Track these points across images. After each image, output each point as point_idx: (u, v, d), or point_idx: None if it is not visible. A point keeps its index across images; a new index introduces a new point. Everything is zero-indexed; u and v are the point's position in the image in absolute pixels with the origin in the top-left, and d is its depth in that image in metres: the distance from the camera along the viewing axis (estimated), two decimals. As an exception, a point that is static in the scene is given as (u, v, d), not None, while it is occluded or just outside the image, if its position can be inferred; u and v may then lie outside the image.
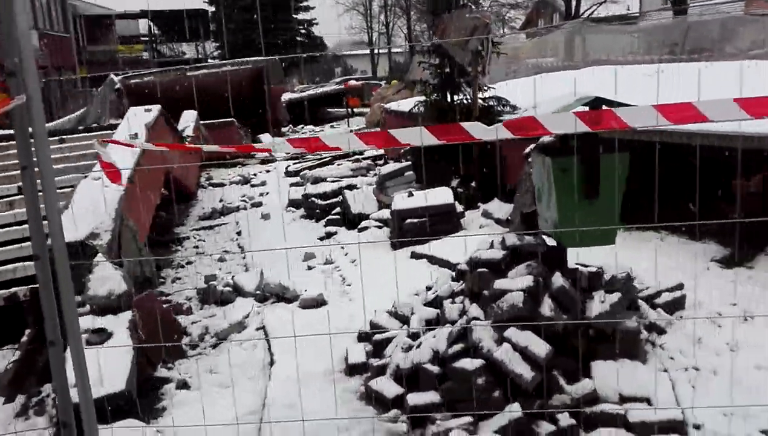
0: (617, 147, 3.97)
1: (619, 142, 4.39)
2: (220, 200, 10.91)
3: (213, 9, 40.43)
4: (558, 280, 3.94)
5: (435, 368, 3.89)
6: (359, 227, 8.12)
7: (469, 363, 3.70)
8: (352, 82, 26.23)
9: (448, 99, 8.88)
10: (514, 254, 4.34)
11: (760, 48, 12.86)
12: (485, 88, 8.74)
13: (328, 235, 8.25)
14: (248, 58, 18.05)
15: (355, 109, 24.67)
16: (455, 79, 8.49)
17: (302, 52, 32.28)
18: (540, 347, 3.70)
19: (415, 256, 6.75)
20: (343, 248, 7.58)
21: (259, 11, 34.15)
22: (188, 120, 14.03)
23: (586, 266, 4.71)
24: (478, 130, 2.47)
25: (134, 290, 5.63)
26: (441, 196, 7.13)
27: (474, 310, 4.13)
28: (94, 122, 17.65)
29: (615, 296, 3.96)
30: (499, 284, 4.04)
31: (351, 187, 9.43)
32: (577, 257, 5.21)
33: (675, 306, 4.64)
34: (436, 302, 4.82)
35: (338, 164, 11.34)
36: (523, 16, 44.75)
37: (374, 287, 5.90)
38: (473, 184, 8.25)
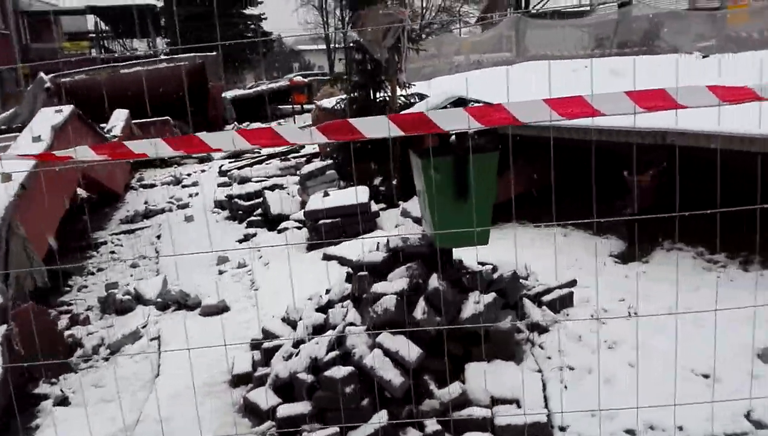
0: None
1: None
2: (145, 202, 10.59)
3: (161, 4, 39.42)
4: (433, 282, 3.88)
5: (309, 377, 3.79)
6: (279, 228, 7.96)
7: (337, 371, 3.60)
8: (297, 79, 25.91)
9: (371, 96, 8.77)
10: (397, 256, 4.26)
11: (706, 42, 13.15)
12: (407, 85, 8.67)
13: (247, 237, 8.07)
14: (185, 55, 17.57)
15: (304, 106, 24.37)
16: (375, 75, 8.38)
17: (251, 48, 31.66)
18: (410, 352, 3.63)
19: (327, 257, 6.64)
20: (259, 250, 7.41)
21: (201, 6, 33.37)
22: (118, 119, 13.62)
23: (483, 265, 4.70)
24: (292, 134, 2.36)
25: (28, 301, 5.39)
26: (356, 195, 7.02)
27: (352, 315, 4.05)
28: (24, 122, 17.00)
29: (490, 296, 3.91)
30: (377, 287, 3.95)
31: (276, 187, 9.25)
32: (476, 256, 5.18)
33: (563, 303, 4.64)
34: (328, 307, 4.72)
35: (267, 163, 11.13)
36: (477, 11, 45.00)
37: (282, 291, 5.78)
38: (395, 182, 8.17)
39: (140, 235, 9.24)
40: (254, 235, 8.09)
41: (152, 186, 12.61)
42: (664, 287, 4.91)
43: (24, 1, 34.66)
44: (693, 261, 5.37)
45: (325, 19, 52.44)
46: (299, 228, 7.88)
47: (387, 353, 3.65)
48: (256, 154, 13.46)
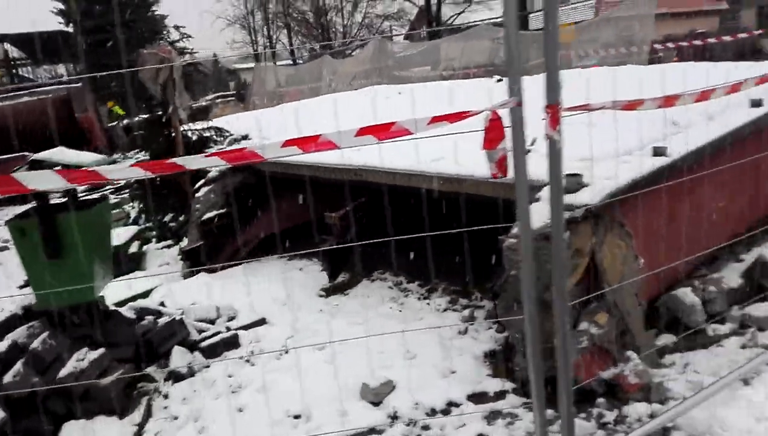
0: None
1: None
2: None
3: (71, 30, 38.57)
4: (36, 342, 3.89)
5: None
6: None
7: None
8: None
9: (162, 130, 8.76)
10: (31, 313, 4.26)
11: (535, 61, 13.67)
12: (196, 119, 8.75)
13: None
14: (49, 87, 17.25)
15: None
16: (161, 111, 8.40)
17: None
18: (-9, 417, 3.62)
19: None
20: None
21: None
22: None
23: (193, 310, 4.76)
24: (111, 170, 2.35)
25: None
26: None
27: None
28: None
29: (96, 353, 3.94)
30: (-17, 350, 3.94)
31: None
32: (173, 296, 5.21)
33: (227, 346, 4.70)
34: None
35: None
36: (401, 27, 45.46)
37: None
38: (182, 218, 8.17)
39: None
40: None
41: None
42: (341, 320, 5.06)
43: (-71, 29, 33.34)
44: (389, 291, 5.54)
45: (253, 37, 52.35)
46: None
47: (-32, 418, 3.63)
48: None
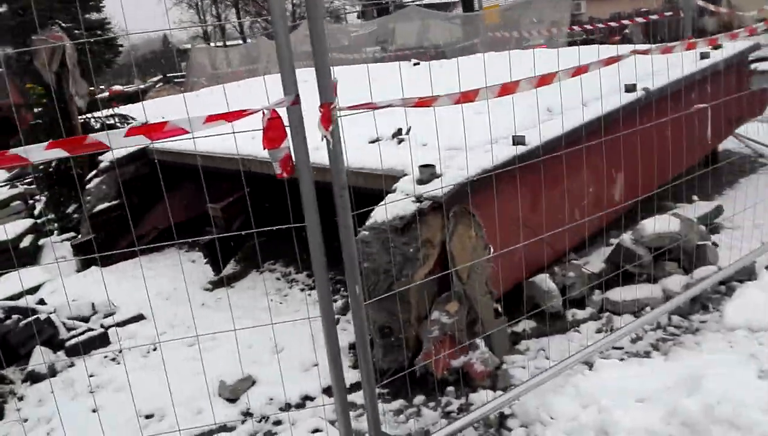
0: None
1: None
2: None
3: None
4: None
5: None
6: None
7: None
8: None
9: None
10: None
11: (464, 43, 13.73)
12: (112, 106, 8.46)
13: None
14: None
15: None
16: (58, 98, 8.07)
17: (94, 55, 30.14)
18: None
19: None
20: None
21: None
22: None
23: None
24: None
25: None
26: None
27: None
28: None
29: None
30: None
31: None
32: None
33: (95, 344, 4.58)
34: None
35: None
36: (353, 6, 44.78)
37: None
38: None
39: None
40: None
41: None
42: (220, 315, 4.98)
43: None
44: (276, 282, 5.48)
45: (202, 17, 50.83)
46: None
47: None
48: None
